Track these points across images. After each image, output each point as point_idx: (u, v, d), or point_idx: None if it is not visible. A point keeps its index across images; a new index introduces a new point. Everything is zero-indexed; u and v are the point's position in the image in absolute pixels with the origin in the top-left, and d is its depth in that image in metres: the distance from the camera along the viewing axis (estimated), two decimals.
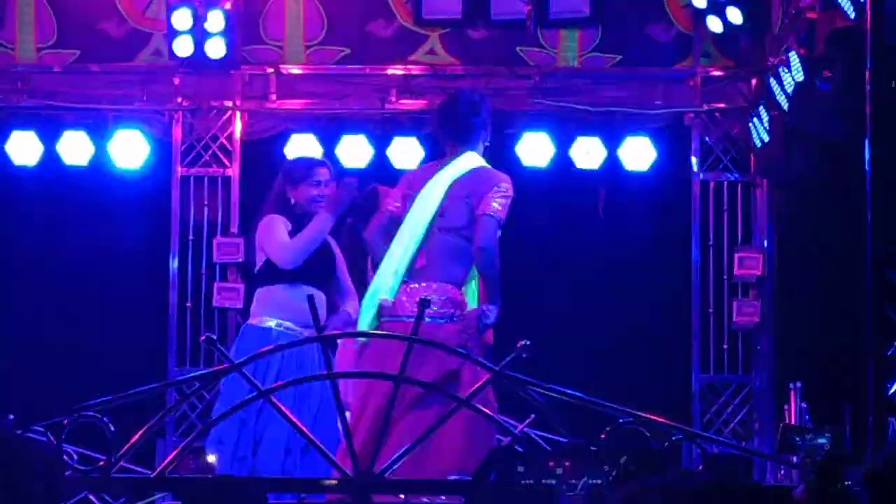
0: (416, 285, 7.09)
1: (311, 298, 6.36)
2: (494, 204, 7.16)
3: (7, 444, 2.40)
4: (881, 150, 6.85)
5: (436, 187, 7.20)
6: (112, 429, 5.59)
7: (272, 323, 7.82)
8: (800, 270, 10.37)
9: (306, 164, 8.36)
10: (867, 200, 6.87)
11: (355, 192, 7.97)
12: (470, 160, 7.31)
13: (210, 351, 10.47)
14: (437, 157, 7.71)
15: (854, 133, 7.43)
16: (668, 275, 10.85)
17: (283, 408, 6.25)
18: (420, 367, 6.66)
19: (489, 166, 7.42)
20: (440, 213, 7.16)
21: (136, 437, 5.83)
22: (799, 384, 8.28)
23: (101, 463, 5.70)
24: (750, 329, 10.75)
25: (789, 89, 8.67)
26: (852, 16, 7.43)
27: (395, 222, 7.25)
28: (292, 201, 8.10)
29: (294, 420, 6.21)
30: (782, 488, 5.49)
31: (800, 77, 8.39)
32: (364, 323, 7.11)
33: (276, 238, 7.92)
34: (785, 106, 8.98)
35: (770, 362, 10.66)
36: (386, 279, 7.13)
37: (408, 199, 7.27)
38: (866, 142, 6.93)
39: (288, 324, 7.81)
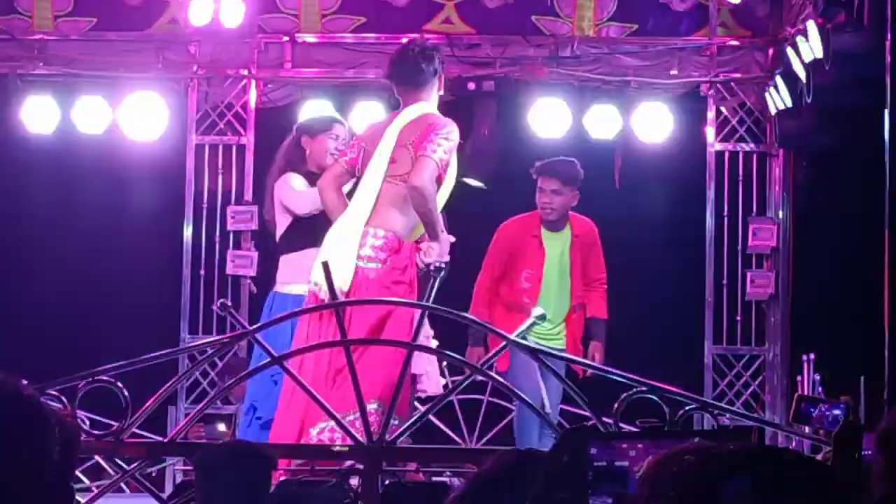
0: (367, 234, 6.99)
1: (325, 265, 6.34)
2: (433, 145, 7.02)
3: (27, 406, 2.39)
4: None
5: (388, 137, 7.14)
6: (126, 394, 5.59)
7: (301, 289, 7.76)
8: (815, 241, 10.33)
9: (326, 119, 8.28)
10: (887, 170, 6.82)
11: None
12: (419, 108, 7.24)
13: (223, 319, 10.48)
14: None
15: (874, 103, 7.37)
16: (682, 245, 10.84)
17: (296, 374, 6.24)
18: (362, 316, 6.66)
19: (438, 114, 7.33)
20: (390, 161, 7.09)
21: (150, 402, 5.83)
22: (812, 356, 8.26)
23: (114, 428, 5.70)
24: (763, 300, 10.72)
25: (807, 59, 8.62)
26: None
27: (349, 173, 7.17)
28: (307, 151, 7.99)
29: (307, 387, 6.20)
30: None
31: (818, 46, 8.33)
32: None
33: (295, 187, 7.84)
34: (802, 76, 8.93)
35: (783, 334, 10.64)
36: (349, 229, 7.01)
37: (362, 152, 7.18)
38: (886, 112, 6.88)
39: (302, 288, 7.75)
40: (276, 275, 7.99)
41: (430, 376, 7.53)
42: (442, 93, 7.46)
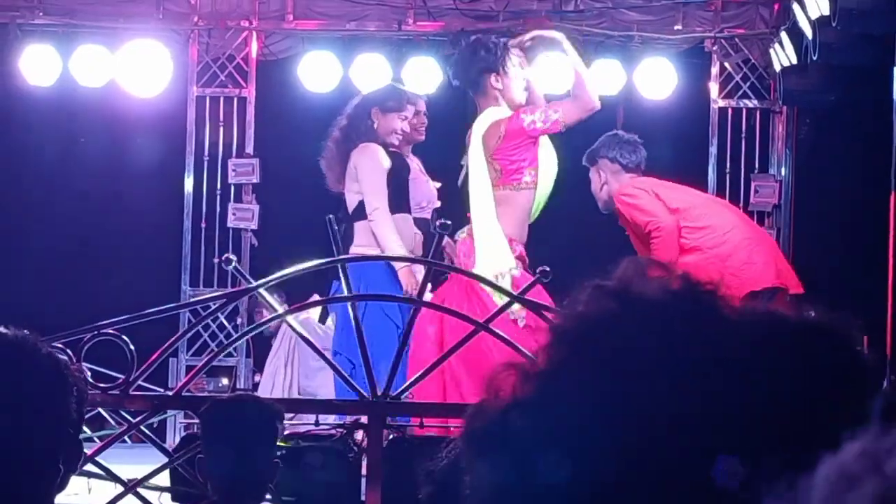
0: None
1: (330, 220, 6.32)
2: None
3: (48, 364, 2.38)
4: None
5: (472, 148, 7.31)
6: (132, 348, 5.59)
7: (377, 251, 7.71)
8: (817, 199, 10.32)
9: (401, 96, 8.14)
10: (894, 128, 6.80)
11: None
12: (486, 115, 7.32)
13: (224, 271, 10.47)
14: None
15: (879, 61, 7.34)
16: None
17: (301, 330, 6.23)
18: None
19: (503, 110, 7.36)
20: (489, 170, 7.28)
21: (155, 356, 5.83)
22: (812, 314, 8.24)
23: (120, 381, 5.70)
24: None
25: (813, 15, 8.56)
26: None
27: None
28: (376, 125, 7.91)
29: (312, 342, 6.20)
30: None
31: (825, 3, 8.28)
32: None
33: (374, 176, 7.77)
34: (808, 32, 8.88)
35: None
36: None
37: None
38: (894, 70, 6.85)
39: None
40: (357, 240, 7.87)
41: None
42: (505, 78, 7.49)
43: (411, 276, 7.34)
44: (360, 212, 7.83)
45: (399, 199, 7.79)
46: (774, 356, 1.24)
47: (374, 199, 7.69)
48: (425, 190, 8.15)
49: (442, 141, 8.59)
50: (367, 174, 7.75)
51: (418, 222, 7.96)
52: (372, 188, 7.71)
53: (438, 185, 8.19)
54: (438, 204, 8.14)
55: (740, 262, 7.50)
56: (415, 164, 8.18)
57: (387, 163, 7.80)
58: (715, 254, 7.50)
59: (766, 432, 1.20)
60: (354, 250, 7.75)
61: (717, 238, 7.60)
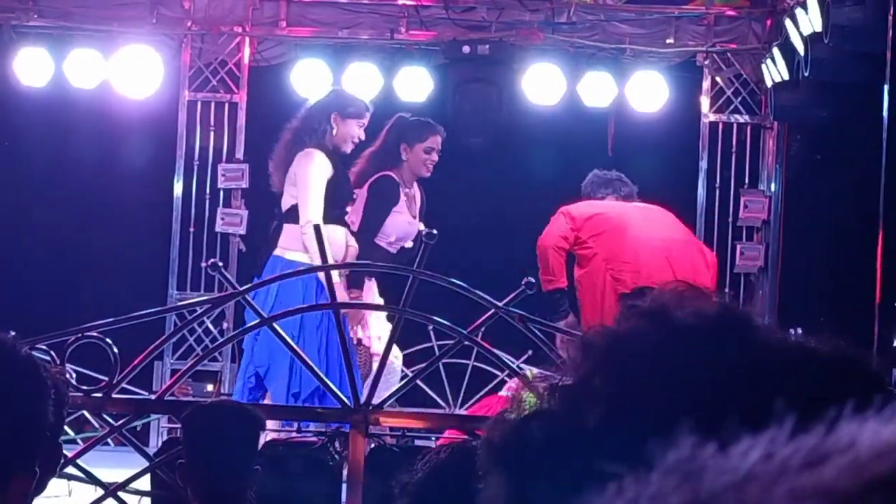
0: None
1: (317, 228, 6.32)
2: None
3: (24, 367, 2.36)
4: None
5: None
6: (115, 351, 5.57)
7: (305, 258, 7.73)
8: (806, 216, 10.32)
9: (363, 104, 8.19)
10: (884, 147, 6.80)
11: None
12: None
13: (211, 276, 10.46)
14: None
15: (871, 78, 7.35)
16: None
17: (286, 336, 6.22)
18: None
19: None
20: None
21: (139, 359, 5.81)
22: (800, 330, 8.24)
23: (103, 384, 5.68)
24: (752, 273, 10.72)
25: (806, 32, 8.58)
26: None
27: None
28: (334, 131, 7.94)
29: (297, 349, 6.19)
30: None
31: (817, 19, 8.29)
32: None
33: (313, 186, 7.80)
34: (800, 48, 8.89)
35: (771, 307, 10.63)
36: None
37: None
38: (886, 87, 6.85)
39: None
40: (281, 240, 7.89)
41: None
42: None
43: (343, 291, 7.37)
44: (292, 215, 7.86)
45: (333, 209, 7.78)
46: (797, 389, 1.25)
47: (308, 211, 7.70)
48: (402, 227, 8.18)
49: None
50: (304, 184, 7.77)
51: (379, 251, 7.98)
52: (308, 200, 7.72)
53: (422, 226, 8.18)
54: (409, 245, 8.18)
55: (621, 263, 8.08)
56: (409, 197, 8.21)
57: (328, 171, 7.81)
58: (603, 258, 8.11)
59: None
60: (278, 252, 7.80)
61: (612, 243, 8.17)
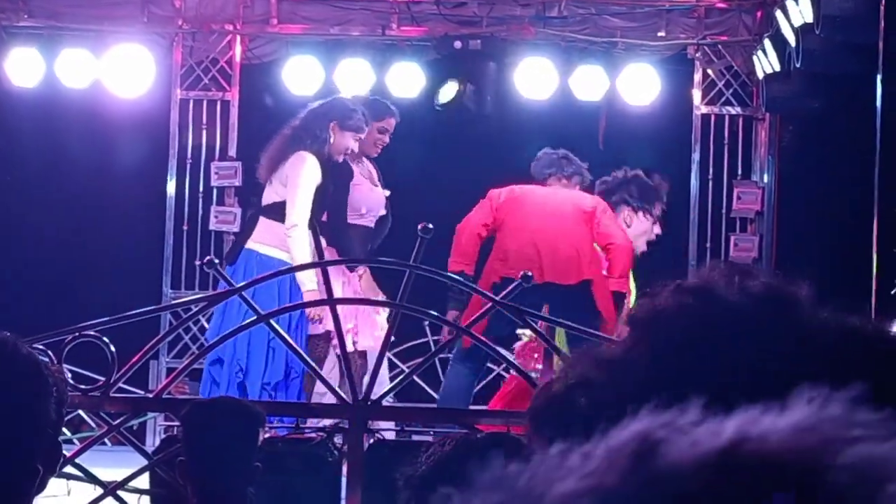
0: None
1: (314, 225, 6.32)
2: None
3: (27, 366, 2.36)
4: (893, 85, 6.77)
5: None
6: (113, 350, 5.57)
7: (275, 252, 7.76)
8: (799, 206, 10.34)
9: (363, 119, 8.18)
10: (878, 136, 6.80)
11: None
12: None
13: (205, 274, 10.46)
14: None
15: (863, 69, 7.36)
16: (666, 208, 10.81)
17: (283, 332, 6.23)
18: None
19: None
20: None
21: (136, 358, 5.80)
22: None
23: (101, 383, 5.68)
24: (747, 264, 10.73)
25: (797, 23, 8.58)
26: None
27: None
28: (331, 139, 7.94)
29: (294, 345, 6.19)
30: None
31: (808, 10, 8.30)
32: None
33: (303, 191, 7.79)
34: (791, 40, 8.90)
35: None
36: None
37: None
38: (878, 77, 6.85)
39: (286, 255, 7.75)
40: (256, 234, 7.91)
41: (363, 332, 7.66)
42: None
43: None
44: (273, 212, 7.87)
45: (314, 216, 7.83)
46: (840, 369, 1.26)
47: (296, 215, 7.73)
48: (368, 196, 8.18)
49: (422, 146, 8.63)
50: (295, 187, 7.78)
51: (357, 229, 8.00)
52: (296, 204, 7.73)
53: (387, 192, 8.22)
54: (384, 212, 8.18)
55: (504, 250, 7.96)
56: (363, 170, 8.21)
57: (319, 178, 7.82)
58: (498, 244, 8.02)
59: None
60: (252, 245, 7.81)
61: (503, 231, 8.07)
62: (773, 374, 1.22)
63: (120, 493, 5.60)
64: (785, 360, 1.24)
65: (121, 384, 5.81)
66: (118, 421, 5.79)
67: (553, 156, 8.54)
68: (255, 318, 6.05)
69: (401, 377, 6.63)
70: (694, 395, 1.20)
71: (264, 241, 7.81)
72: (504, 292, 6.29)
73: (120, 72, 10.60)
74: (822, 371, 1.23)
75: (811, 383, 1.20)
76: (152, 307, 6.56)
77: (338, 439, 6.03)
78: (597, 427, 1.22)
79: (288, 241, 7.68)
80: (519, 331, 7.79)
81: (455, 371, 7.93)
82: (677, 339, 1.26)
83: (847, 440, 0.87)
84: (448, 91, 10.41)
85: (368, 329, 7.98)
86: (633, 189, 8.48)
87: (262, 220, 7.93)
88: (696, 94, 10.87)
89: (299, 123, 8.02)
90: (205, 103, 10.91)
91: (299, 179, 7.80)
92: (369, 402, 5.95)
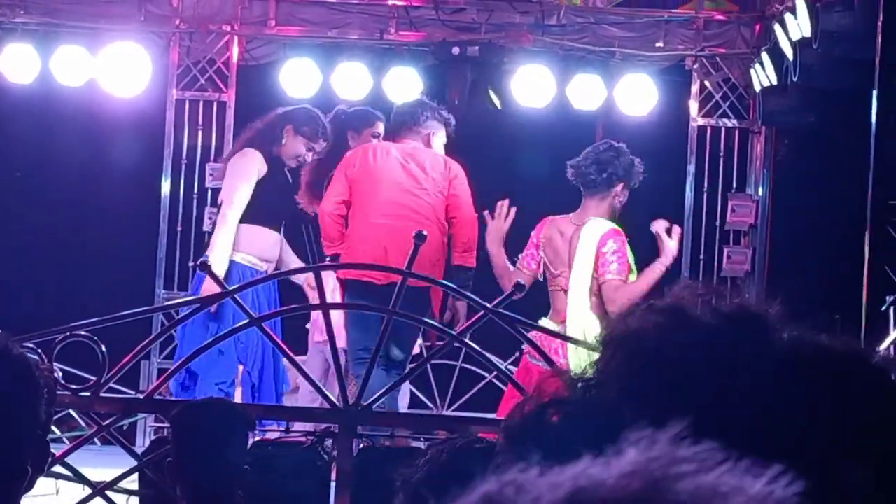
0: None
1: (307, 227, 6.32)
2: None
3: (18, 367, 2.36)
4: (890, 101, 6.78)
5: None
6: (104, 350, 5.56)
7: (237, 257, 7.76)
8: (793, 220, 10.34)
9: (319, 130, 8.20)
10: (872, 152, 6.81)
11: None
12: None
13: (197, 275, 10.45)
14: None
15: (860, 84, 7.37)
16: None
17: (274, 336, 6.23)
18: None
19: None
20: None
21: (127, 359, 5.79)
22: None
23: (91, 382, 5.67)
24: (739, 277, 10.74)
25: (795, 37, 8.60)
26: None
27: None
28: (283, 142, 7.97)
29: (286, 350, 6.18)
30: None
31: (806, 25, 8.31)
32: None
33: (238, 180, 7.78)
34: (789, 54, 8.92)
35: None
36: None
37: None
38: (874, 93, 6.86)
39: (251, 258, 7.76)
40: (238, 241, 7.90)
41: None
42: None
43: (310, 290, 7.34)
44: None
45: (261, 210, 7.76)
46: (806, 388, 1.27)
47: (226, 205, 7.75)
48: None
49: None
50: (230, 180, 7.79)
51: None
52: (228, 194, 7.74)
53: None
54: None
55: (352, 242, 7.47)
56: None
57: (263, 170, 7.80)
58: (349, 231, 7.52)
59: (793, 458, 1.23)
60: (239, 259, 7.82)
61: (356, 216, 7.56)
62: (742, 395, 1.24)
63: (109, 493, 5.59)
64: (754, 381, 1.25)
65: (112, 384, 5.80)
66: (108, 421, 5.78)
67: (403, 109, 8.03)
68: (247, 321, 6.05)
69: (393, 382, 6.62)
70: (665, 414, 1.22)
71: (238, 247, 7.79)
72: (497, 300, 6.29)
73: (116, 70, 10.58)
74: (791, 391, 1.24)
75: (781, 403, 1.22)
76: (145, 308, 6.56)
77: (328, 443, 6.02)
78: (569, 444, 1.24)
79: (214, 224, 7.65)
80: None
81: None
82: (648, 359, 1.28)
83: (674, 477, 0.89)
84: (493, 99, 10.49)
85: None
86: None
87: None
88: (693, 106, 10.88)
89: (261, 125, 8.06)
90: (201, 104, 10.91)
91: (234, 174, 7.80)
92: (360, 408, 5.95)
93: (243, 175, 7.74)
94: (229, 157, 8.16)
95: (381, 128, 8.27)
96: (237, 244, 7.80)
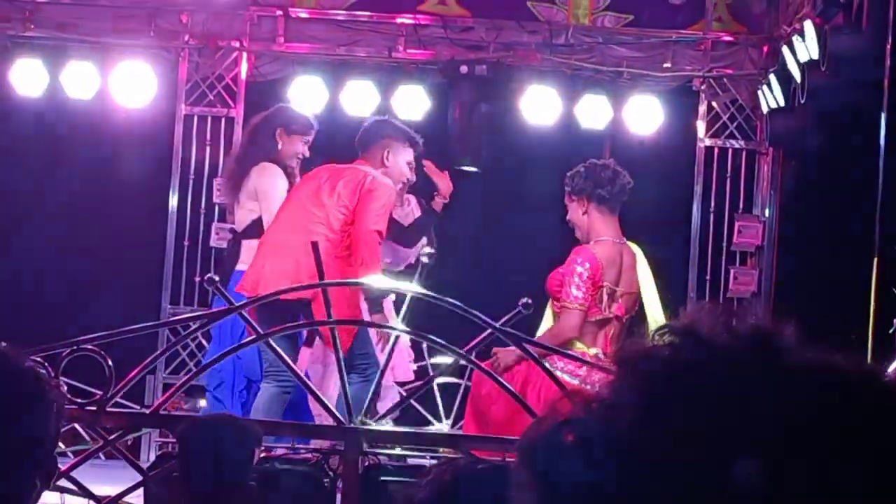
0: None
1: (315, 245, 6.33)
2: None
3: (30, 383, 2.37)
4: None
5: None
6: (110, 364, 5.57)
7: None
8: (800, 242, 10.33)
9: (308, 121, 8.31)
10: (880, 174, 6.82)
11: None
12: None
13: (204, 290, 10.45)
14: None
15: (868, 106, 7.37)
16: (667, 240, 10.82)
17: (280, 351, 6.23)
18: None
19: None
20: None
21: (133, 374, 5.80)
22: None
23: (97, 397, 5.67)
24: (745, 298, 10.73)
25: (802, 59, 8.60)
26: None
27: None
28: (279, 146, 8.07)
29: (290, 364, 6.19)
30: None
31: (814, 47, 8.32)
32: None
33: (277, 201, 7.85)
34: (797, 75, 8.92)
35: None
36: None
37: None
38: (882, 115, 6.87)
39: None
40: (244, 255, 7.97)
41: (400, 365, 7.66)
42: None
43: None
44: (252, 230, 7.91)
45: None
46: (820, 408, 1.29)
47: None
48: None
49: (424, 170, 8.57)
50: (269, 198, 7.84)
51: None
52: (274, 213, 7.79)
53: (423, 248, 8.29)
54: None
55: (258, 263, 7.50)
56: (413, 203, 8.30)
57: (285, 185, 7.89)
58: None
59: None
60: (240, 267, 7.85)
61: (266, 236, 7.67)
62: (757, 418, 1.25)
63: None
64: (769, 402, 1.27)
65: (117, 399, 5.81)
66: (114, 436, 5.78)
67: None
68: (255, 336, 6.06)
69: (399, 401, 6.63)
70: (680, 436, 1.23)
71: (250, 261, 7.83)
72: (504, 318, 6.29)
73: (125, 85, 10.60)
74: (806, 411, 1.25)
75: (794, 426, 1.23)
76: (151, 322, 6.56)
77: (333, 460, 6.03)
78: (585, 466, 1.26)
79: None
80: None
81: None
82: (664, 381, 1.29)
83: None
84: None
85: (404, 358, 8.03)
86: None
87: (244, 243, 8.00)
88: (701, 126, 10.88)
89: (245, 139, 8.12)
90: (209, 119, 10.92)
91: (271, 191, 7.87)
92: (365, 425, 5.95)
93: (279, 193, 7.86)
94: (234, 180, 8.13)
95: (312, 136, 8.25)
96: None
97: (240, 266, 7.96)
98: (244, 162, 8.10)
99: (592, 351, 7.44)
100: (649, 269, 7.68)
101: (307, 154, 8.14)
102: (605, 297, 7.54)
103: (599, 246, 7.54)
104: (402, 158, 7.88)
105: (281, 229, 7.54)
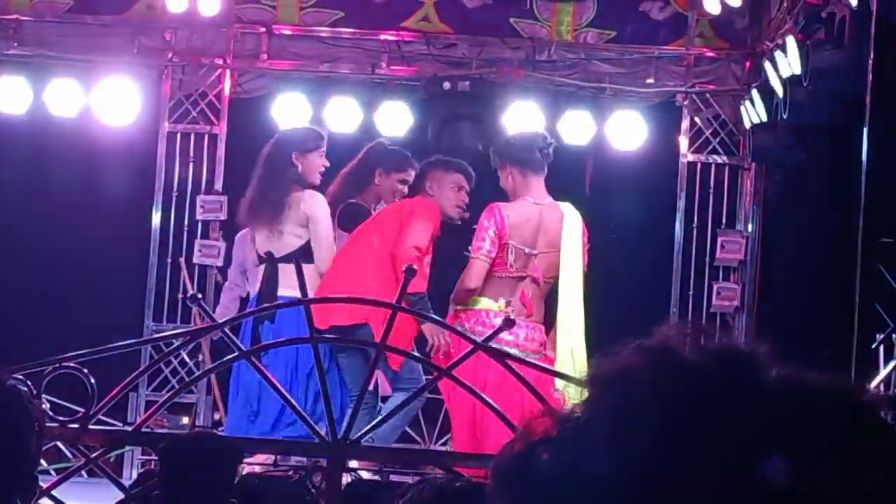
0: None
1: (297, 261, 6.33)
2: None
3: (12, 402, 2.36)
4: (880, 139, 6.81)
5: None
6: (93, 382, 5.55)
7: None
8: (783, 257, 10.36)
9: (316, 135, 8.30)
10: (862, 189, 6.83)
11: None
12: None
13: (187, 308, 10.45)
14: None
15: (849, 121, 7.39)
16: (650, 255, 10.84)
17: (263, 369, 6.21)
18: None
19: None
20: None
21: (116, 391, 5.78)
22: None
23: (80, 415, 5.66)
24: (728, 313, 10.75)
25: (785, 74, 8.63)
26: (854, 2, 7.39)
27: None
28: (299, 168, 8.06)
29: (275, 382, 6.17)
30: None
31: (796, 62, 8.35)
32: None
33: (330, 229, 7.97)
34: (779, 91, 8.95)
35: None
36: None
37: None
38: (864, 131, 6.89)
39: None
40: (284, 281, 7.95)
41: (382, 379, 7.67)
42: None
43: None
44: (300, 255, 7.90)
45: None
46: (795, 427, 1.29)
47: (328, 254, 7.85)
48: None
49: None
50: (323, 228, 7.89)
51: None
52: (328, 243, 7.82)
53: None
54: None
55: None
56: None
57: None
58: None
59: None
60: (283, 292, 7.82)
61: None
62: (730, 437, 1.25)
63: None
64: (741, 422, 1.27)
65: (100, 416, 5.79)
66: (96, 453, 5.76)
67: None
68: (237, 354, 6.05)
69: (380, 417, 6.61)
70: (654, 455, 1.23)
71: (293, 286, 7.79)
72: (487, 335, 6.29)
73: (108, 102, 10.60)
74: (780, 429, 1.26)
75: (767, 446, 1.23)
76: (134, 340, 6.54)
77: (316, 477, 6.01)
78: (558, 485, 1.26)
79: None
80: None
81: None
82: (636, 400, 1.29)
83: None
84: None
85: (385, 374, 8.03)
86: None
87: (281, 267, 7.96)
88: (683, 142, 10.90)
89: (263, 171, 8.10)
90: (192, 136, 10.92)
91: (323, 220, 7.93)
92: (348, 442, 5.94)
93: (329, 221, 8.03)
94: (274, 209, 8.10)
95: (411, 175, 8.28)
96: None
97: (283, 290, 7.90)
98: (275, 192, 8.07)
99: (498, 304, 7.56)
100: (579, 231, 7.76)
101: (327, 164, 8.25)
102: (510, 256, 7.61)
103: (512, 205, 7.81)
104: (446, 186, 7.96)
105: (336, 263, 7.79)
